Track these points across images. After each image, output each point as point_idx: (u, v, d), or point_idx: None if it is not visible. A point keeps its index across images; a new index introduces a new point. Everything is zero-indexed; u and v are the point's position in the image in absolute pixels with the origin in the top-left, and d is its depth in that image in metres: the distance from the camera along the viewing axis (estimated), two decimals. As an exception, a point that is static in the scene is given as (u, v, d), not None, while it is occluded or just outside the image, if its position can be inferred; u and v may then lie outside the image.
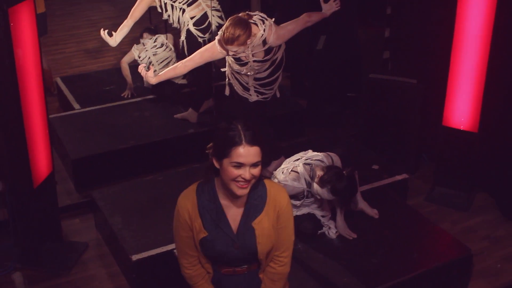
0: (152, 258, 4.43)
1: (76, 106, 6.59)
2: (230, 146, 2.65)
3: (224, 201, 2.83)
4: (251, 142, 2.65)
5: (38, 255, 4.76)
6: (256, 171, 2.70)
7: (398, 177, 5.37)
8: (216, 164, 2.74)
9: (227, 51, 4.72)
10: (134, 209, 4.91)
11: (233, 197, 2.80)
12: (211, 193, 2.82)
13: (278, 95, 5.18)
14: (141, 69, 4.88)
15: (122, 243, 4.55)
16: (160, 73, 4.91)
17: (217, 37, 4.76)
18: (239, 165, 2.66)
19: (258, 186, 2.84)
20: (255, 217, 2.83)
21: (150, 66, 6.38)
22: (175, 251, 4.39)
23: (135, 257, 4.41)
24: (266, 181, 2.89)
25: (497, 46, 4.99)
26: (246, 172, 2.67)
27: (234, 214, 2.84)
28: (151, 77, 4.85)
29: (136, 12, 5.96)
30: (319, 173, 4.27)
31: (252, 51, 4.73)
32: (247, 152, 2.65)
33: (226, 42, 4.63)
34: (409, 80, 5.79)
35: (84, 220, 5.30)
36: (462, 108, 5.22)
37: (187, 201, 2.83)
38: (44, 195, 4.71)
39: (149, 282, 4.52)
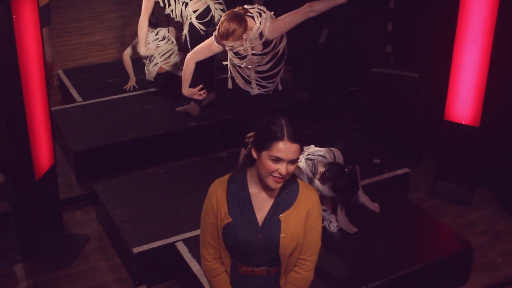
0: (153, 250, 4.44)
1: (78, 98, 6.59)
2: (272, 139, 2.65)
3: (253, 191, 2.82)
4: (293, 139, 2.65)
5: (40, 247, 4.78)
6: (292, 168, 2.70)
7: (400, 171, 5.37)
8: (254, 155, 2.74)
9: (224, 46, 4.70)
10: (136, 202, 4.92)
11: (264, 189, 2.80)
12: (241, 181, 2.83)
13: (280, 88, 5.18)
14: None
15: (123, 235, 4.56)
16: (183, 82, 4.99)
17: (214, 33, 4.75)
18: (277, 160, 2.66)
19: (291, 182, 2.84)
20: (284, 211, 2.81)
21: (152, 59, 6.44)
22: (176, 244, 4.45)
23: (136, 250, 4.42)
24: (300, 181, 2.89)
25: (500, 40, 4.98)
26: (283, 168, 2.67)
27: (262, 205, 2.83)
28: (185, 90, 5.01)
29: (148, 8, 6.14)
30: (321, 169, 4.26)
31: (250, 45, 4.72)
32: (287, 148, 2.65)
33: (221, 37, 4.62)
34: (411, 74, 5.79)
35: (85, 212, 5.31)
36: (464, 102, 5.21)
37: (218, 187, 2.84)
38: (45, 187, 4.72)
39: (150, 275, 4.53)
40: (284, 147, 2.64)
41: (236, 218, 2.81)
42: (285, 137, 2.64)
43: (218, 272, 2.93)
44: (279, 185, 2.74)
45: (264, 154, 2.67)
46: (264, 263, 2.88)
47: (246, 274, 2.91)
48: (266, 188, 2.80)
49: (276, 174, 2.68)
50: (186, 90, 4.99)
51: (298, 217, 2.81)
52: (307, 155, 4.42)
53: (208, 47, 4.83)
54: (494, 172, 5.59)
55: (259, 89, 5.02)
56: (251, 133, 2.82)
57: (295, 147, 2.66)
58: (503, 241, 5.04)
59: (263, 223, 2.81)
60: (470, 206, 5.44)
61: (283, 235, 2.79)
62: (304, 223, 2.83)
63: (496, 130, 5.47)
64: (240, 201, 2.82)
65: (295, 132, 2.67)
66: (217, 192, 2.84)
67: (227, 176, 2.88)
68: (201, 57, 4.90)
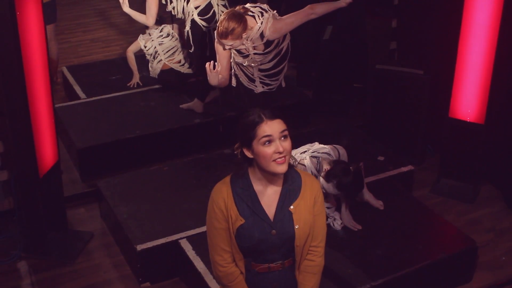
0: (157, 248, 4.44)
1: (82, 95, 6.59)
2: (254, 127, 2.70)
3: (258, 188, 2.82)
4: (272, 117, 2.71)
5: (43, 244, 4.78)
6: (287, 144, 2.73)
7: (404, 169, 5.36)
8: (249, 154, 2.75)
9: (224, 45, 4.69)
10: (139, 199, 4.92)
11: (269, 183, 2.82)
12: (244, 181, 2.83)
13: (283, 85, 5.17)
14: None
15: (127, 232, 4.56)
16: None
17: (215, 31, 4.75)
18: (269, 140, 2.69)
19: (292, 173, 2.86)
20: (292, 202, 2.83)
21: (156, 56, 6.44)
22: (180, 241, 4.45)
23: (140, 247, 4.42)
24: (299, 170, 2.92)
25: (505, 37, 4.96)
26: (278, 145, 2.69)
27: (269, 200, 2.83)
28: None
29: (153, 10, 6.29)
30: (326, 167, 4.26)
31: (251, 44, 4.70)
32: (271, 125, 2.70)
33: (220, 36, 4.60)
34: (415, 71, 5.77)
35: (89, 209, 5.31)
36: (468, 99, 5.20)
37: (223, 190, 2.83)
38: (49, 184, 4.72)
39: (154, 272, 4.53)
40: (267, 126, 2.70)
41: (248, 218, 2.80)
42: (264, 118, 2.70)
43: (235, 275, 2.90)
44: (286, 166, 2.74)
45: (255, 143, 2.71)
46: (279, 258, 2.89)
47: (263, 272, 2.90)
48: (271, 182, 2.81)
49: (275, 156, 2.70)
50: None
51: (306, 205, 2.84)
52: (312, 152, 4.41)
53: (221, 53, 4.79)
54: (499, 170, 5.57)
55: (263, 87, 5.02)
56: (236, 144, 2.83)
57: (277, 121, 2.72)
58: (508, 239, 5.03)
59: (275, 217, 2.82)
60: (475, 203, 5.42)
61: (297, 226, 2.81)
62: (313, 210, 2.86)
63: (501, 127, 5.45)
64: (248, 201, 2.81)
65: (271, 111, 2.73)
66: (223, 196, 2.82)
67: (227, 179, 2.87)
68: (225, 62, 4.83)
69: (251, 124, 2.71)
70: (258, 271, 2.90)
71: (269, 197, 2.83)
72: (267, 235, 2.81)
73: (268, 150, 2.70)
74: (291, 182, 2.85)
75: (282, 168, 2.74)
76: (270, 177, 2.80)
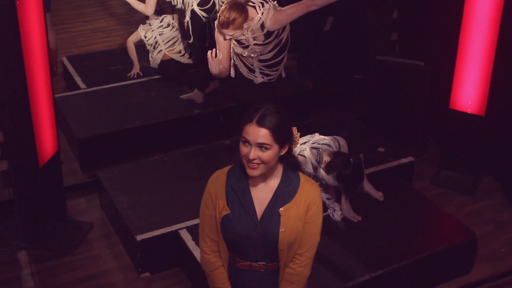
0: (156, 238, 4.45)
1: (82, 85, 6.59)
2: (244, 122, 2.68)
3: (253, 183, 2.79)
4: (260, 124, 2.64)
5: (43, 234, 4.78)
6: (263, 155, 2.65)
7: (404, 160, 5.36)
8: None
9: (224, 35, 4.67)
10: (139, 189, 4.92)
11: (264, 181, 2.78)
12: (241, 173, 2.80)
13: (284, 75, 5.15)
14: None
15: (127, 223, 4.56)
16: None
17: (215, 22, 4.72)
18: (246, 142, 2.66)
19: (292, 175, 2.81)
20: (283, 204, 2.78)
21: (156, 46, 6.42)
22: (179, 231, 4.45)
23: (139, 237, 4.42)
24: (301, 174, 2.85)
25: (506, 29, 4.95)
26: (250, 152, 2.65)
27: (261, 198, 2.79)
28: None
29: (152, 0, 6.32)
30: (326, 158, 4.25)
31: (252, 35, 4.69)
32: (254, 131, 2.64)
33: (221, 26, 4.58)
34: (416, 63, 5.76)
35: (89, 200, 5.31)
36: (469, 91, 5.19)
37: (217, 179, 2.83)
38: (49, 174, 4.72)
39: (153, 262, 4.53)
40: (250, 129, 2.65)
41: (235, 210, 2.78)
42: (254, 120, 2.65)
43: (216, 266, 2.90)
44: (255, 173, 2.69)
45: (241, 139, 2.69)
46: (262, 258, 2.84)
47: (244, 268, 2.87)
48: (265, 180, 2.78)
49: (246, 159, 2.68)
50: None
51: (298, 211, 2.78)
52: (312, 143, 4.41)
53: (221, 43, 4.76)
54: (499, 162, 5.57)
55: (262, 78, 5.01)
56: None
57: (262, 131, 2.64)
58: (508, 230, 5.03)
59: (262, 216, 2.78)
60: (475, 195, 5.42)
61: (283, 229, 2.75)
62: (304, 217, 2.79)
63: (501, 119, 5.44)
64: (239, 193, 2.79)
65: (265, 117, 2.64)
66: (216, 184, 2.82)
67: (227, 168, 2.86)
68: (225, 52, 4.81)
69: (243, 118, 2.69)
70: (240, 267, 2.87)
71: (262, 194, 2.79)
72: (250, 232, 2.77)
73: (244, 149, 2.68)
74: (288, 183, 2.79)
75: (250, 172, 2.70)
76: (270, 177, 2.77)
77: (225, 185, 2.81)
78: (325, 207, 4.54)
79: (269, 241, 2.78)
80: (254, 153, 2.65)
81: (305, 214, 2.79)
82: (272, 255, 2.83)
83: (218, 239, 2.85)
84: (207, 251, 2.89)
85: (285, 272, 2.87)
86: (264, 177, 2.77)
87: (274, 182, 2.79)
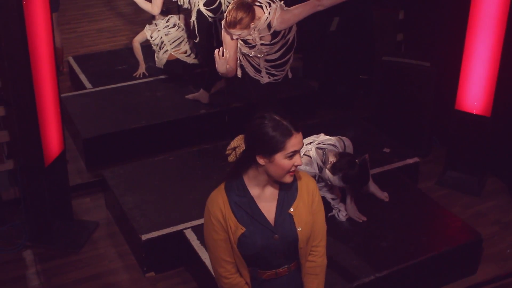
0: (161, 238, 4.45)
1: (88, 85, 6.60)
2: (284, 139, 2.60)
3: (255, 193, 2.73)
4: (298, 129, 2.64)
5: (49, 233, 4.80)
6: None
7: (409, 161, 5.35)
8: (263, 161, 2.64)
9: (231, 35, 4.67)
10: (145, 189, 4.93)
11: (266, 187, 2.75)
12: (240, 187, 2.73)
13: (290, 75, 5.15)
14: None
15: (132, 222, 4.57)
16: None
17: (222, 21, 4.72)
18: (294, 154, 2.62)
19: None
20: (291, 204, 2.76)
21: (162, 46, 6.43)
22: (184, 231, 4.46)
23: (144, 237, 4.42)
24: None
25: (512, 29, 4.94)
26: (298, 158, 2.64)
27: (267, 205, 2.75)
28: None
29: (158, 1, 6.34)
30: (332, 159, 4.24)
31: (258, 35, 4.69)
32: (299, 139, 2.63)
33: (228, 25, 4.58)
34: (422, 63, 5.75)
35: (94, 199, 5.32)
36: (475, 92, 5.18)
37: (218, 199, 2.72)
38: (55, 173, 4.73)
39: (158, 262, 4.54)
40: (296, 140, 2.62)
41: (248, 225, 2.72)
42: (293, 130, 2.61)
43: (240, 286, 2.83)
44: (292, 178, 2.70)
45: (279, 156, 2.60)
46: (284, 262, 2.82)
47: (270, 278, 2.84)
48: (270, 185, 2.74)
49: (293, 168, 2.65)
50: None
51: (305, 205, 2.78)
52: (318, 143, 4.40)
53: (228, 42, 4.76)
54: (505, 162, 5.56)
55: (269, 78, 5.01)
56: (232, 145, 2.76)
57: (301, 134, 2.66)
58: (513, 231, 5.03)
59: (275, 222, 2.74)
60: (480, 196, 5.41)
61: (299, 228, 2.74)
62: (311, 208, 2.81)
63: (507, 120, 5.43)
64: (246, 208, 2.73)
65: (294, 120, 2.65)
66: (220, 205, 2.71)
67: (221, 187, 2.77)
68: (232, 52, 4.78)
69: (280, 136, 2.59)
70: (265, 278, 2.83)
71: (267, 201, 2.76)
72: (270, 241, 2.73)
73: (290, 162, 2.63)
74: (289, 184, 2.76)
75: (292, 179, 2.70)
76: (271, 182, 2.73)
77: (229, 203, 2.72)
78: (330, 208, 4.54)
79: (289, 244, 2.77)
80: (300, 158, 2.67)
81: (311, 206, 2.81)
82: (292, 256, 2.83)
83: (235, 259, 2.79)
84: (227, 275, 2.80)
85: (307, 267, 2.89)
86: (263, 184, 2.73)
87: (275, 186, 2.76)
